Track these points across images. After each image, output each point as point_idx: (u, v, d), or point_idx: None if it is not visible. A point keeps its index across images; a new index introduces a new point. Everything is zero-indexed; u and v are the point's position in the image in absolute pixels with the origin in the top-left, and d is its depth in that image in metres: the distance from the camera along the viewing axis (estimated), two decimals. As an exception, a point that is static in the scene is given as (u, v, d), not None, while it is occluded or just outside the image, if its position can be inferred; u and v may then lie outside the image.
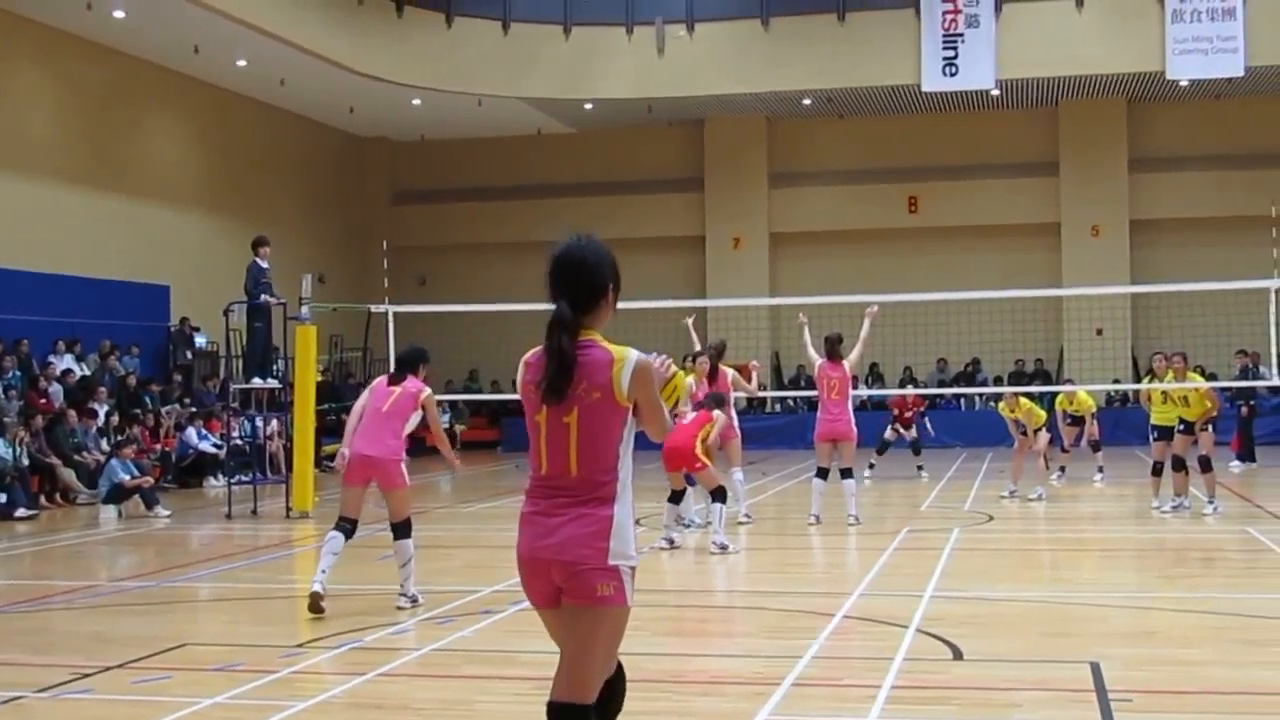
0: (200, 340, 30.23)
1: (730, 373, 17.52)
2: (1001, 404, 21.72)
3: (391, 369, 12.12)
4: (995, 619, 10.85)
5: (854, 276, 34.50)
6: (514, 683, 8.78)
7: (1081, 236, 35.71)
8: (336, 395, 28.60)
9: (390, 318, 22.29)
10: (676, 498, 15.28)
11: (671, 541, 15.05)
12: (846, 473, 17.15)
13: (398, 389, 11.54)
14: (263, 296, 20.11)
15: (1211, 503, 17.82)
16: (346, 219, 38.11)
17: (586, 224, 31.27)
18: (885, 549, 14.71)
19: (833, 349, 17.32)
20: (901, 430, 25.26)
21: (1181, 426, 17.97)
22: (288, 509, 19.60)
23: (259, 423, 23.45)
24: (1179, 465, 18.00)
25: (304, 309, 20.34)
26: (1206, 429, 17.97)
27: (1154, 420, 18.45)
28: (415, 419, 11.58)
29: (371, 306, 22.74)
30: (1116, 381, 32.79)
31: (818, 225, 37.27)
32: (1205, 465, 17.78)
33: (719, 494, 15.01)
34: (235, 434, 24.38)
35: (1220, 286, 22.74)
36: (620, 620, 5.27)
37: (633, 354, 5.22)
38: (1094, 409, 22.98)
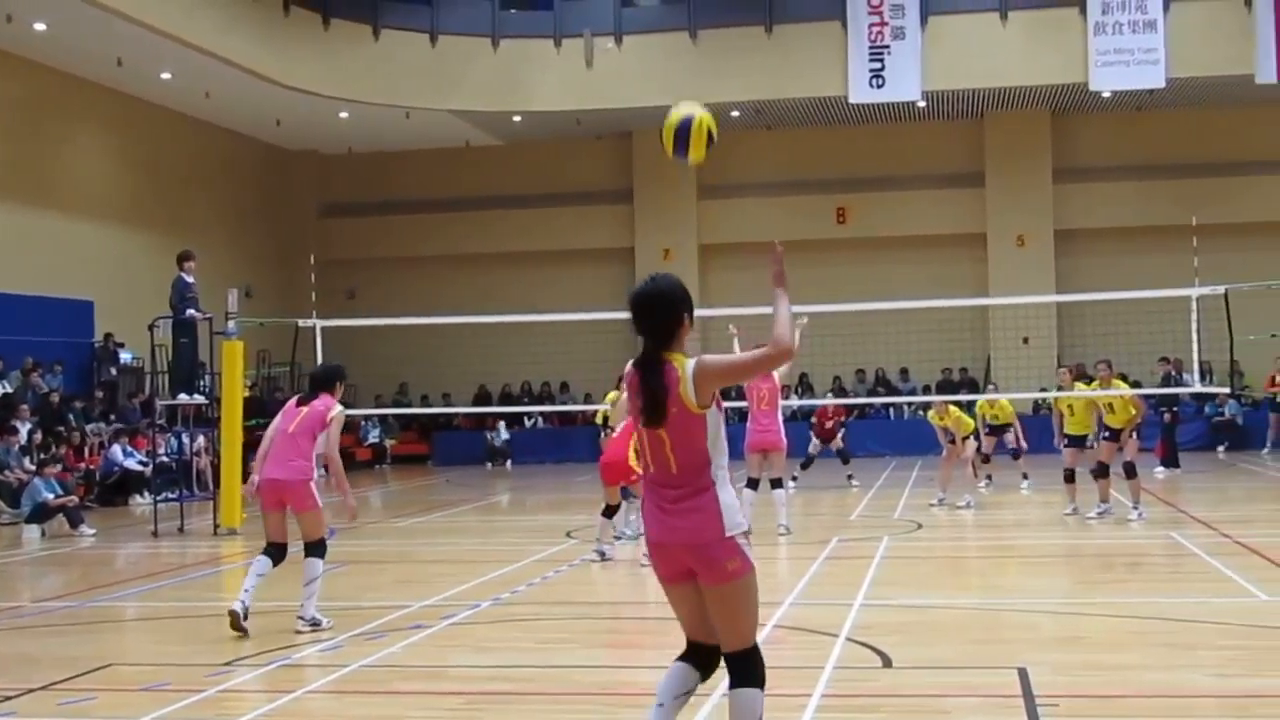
0: (125, 356, 29.95)
1: None
2: (931, 412, 21.86)
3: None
4: (924, 626, 10.91)
5: (783, 287, 34.59)
6: (445, 698, 8.74)
7: (1007, 246, 36.01)
8: (264, 410, 28.26)
9: (318, 332, 22.15)
10: (610, 512, 15.27)
11: (603, 554, 15.04)
12: (777, 483, 17.27)
13: (305, 408, 11.41)
14: (189, 311, 19.94)
15: (1136, 508, 18.06)
16: (274, 232, 37.88)
17: (515, 236, 31.75)
18: (816, 558, 14.77)
19: None
20: (822, 442, 25.22)
21: (1107, 433, 18.20)
22: (215, 526, 19.44)
23: (186, 439, 23.25)
24: (1102, 472, 18.24)
25: (231, 324, 20.18)
26: (1132, 435, 18.18)
27: (1066, 429, 18.76)
28: (324, 438, 11.41)
29: (299, 321, 22.56)
30: (1043, 390, 33.03)
31: (746, 236, 37.28)
32: (1130, 471, 18.01)
33: None
34: (161, 451, 24.15)
35: (1143, 295, 22.98)
36: (752, 582, 6.10)
37: (689, 364, 5.97)
38: (1014, 418, 23.14)
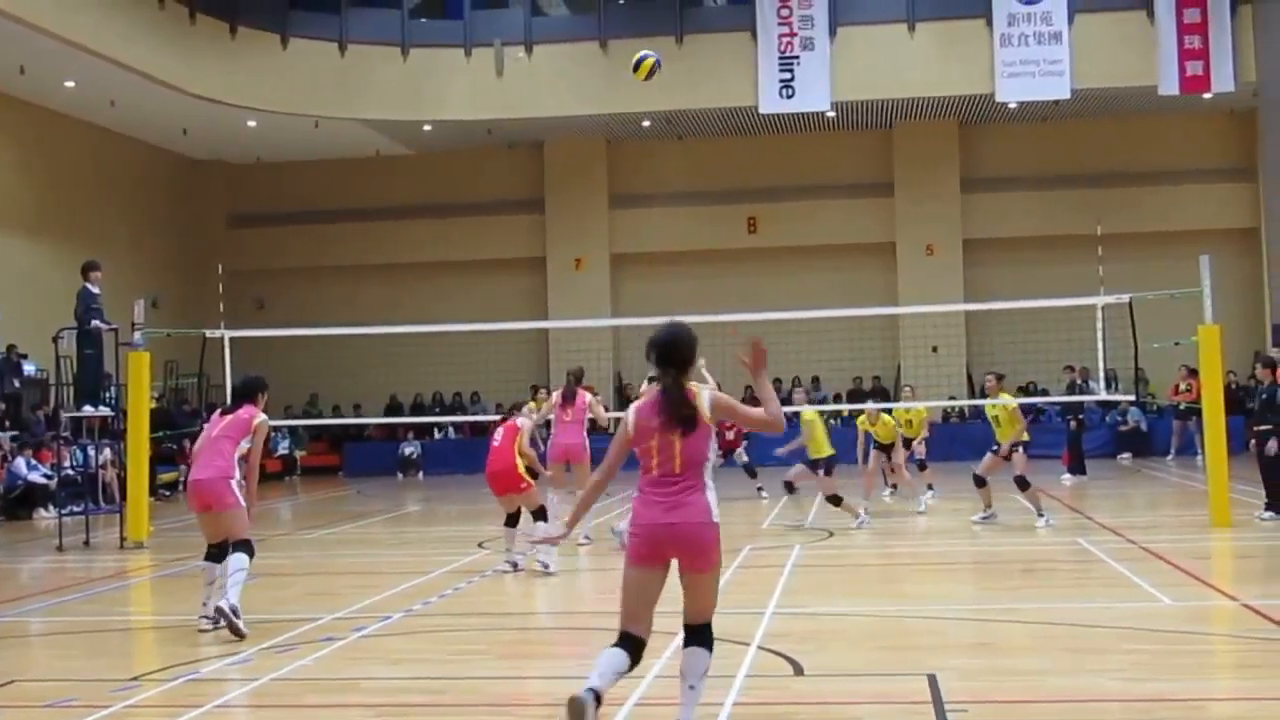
0: (29, 368, 29.52)
1: (588, 397, 17.83)
2: (862, 417, 21.94)
3: (229, 399, 11.97)
4: (835, 634, 10.96)
5: (695, 296, 34.67)
6: (356, 710, 8.68)
7: (916, 255, 36.30)
8: (171, 422, 28.09)
9: (226, 342, 21.96)
10: (513, 520, 15.24)
11: (515, 565, 15.00)
12: None
13: (230, 416, 11.64)
14: (94, 322, 19.69)
15: (1041, 516, 18.31)
16: (181, 242, 37.49)
17: (426, 245, 31.57)
18: (728, 567, 14.77)
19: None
20: (723, 454, 24.53)
21: (995, 447, 18.78)
22: (122, 539, 19.20)
23: (91, 451, 22.97)
24: (980, 482, 18.85)
25: (137, 335, 19.95)
26: (1018, 450, 18.69)
27: (876, 439, 20.19)
28: (246, 444, 11.59)
29: (207, 331, 22.36)
30: (952, 398, 33.35)
31: (658, 246, 37.45)
32: (1022, 484, 18.48)
33: (540, 514, 15.12)
34: (66, 463, 23.83)
35: (1049, 304, 23.24)
36: (719, 572, 7.67)
37: (706, 391, 7.56)
38: (925, 427, 23.30)
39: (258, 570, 11.97)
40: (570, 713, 6.99)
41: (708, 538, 7.42)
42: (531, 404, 21.34)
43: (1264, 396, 18.58)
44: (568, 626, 11.87)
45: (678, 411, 7.42)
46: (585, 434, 17.65)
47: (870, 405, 22.45)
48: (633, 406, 7.76)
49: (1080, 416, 27.46)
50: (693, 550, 7.42)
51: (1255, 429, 18.64)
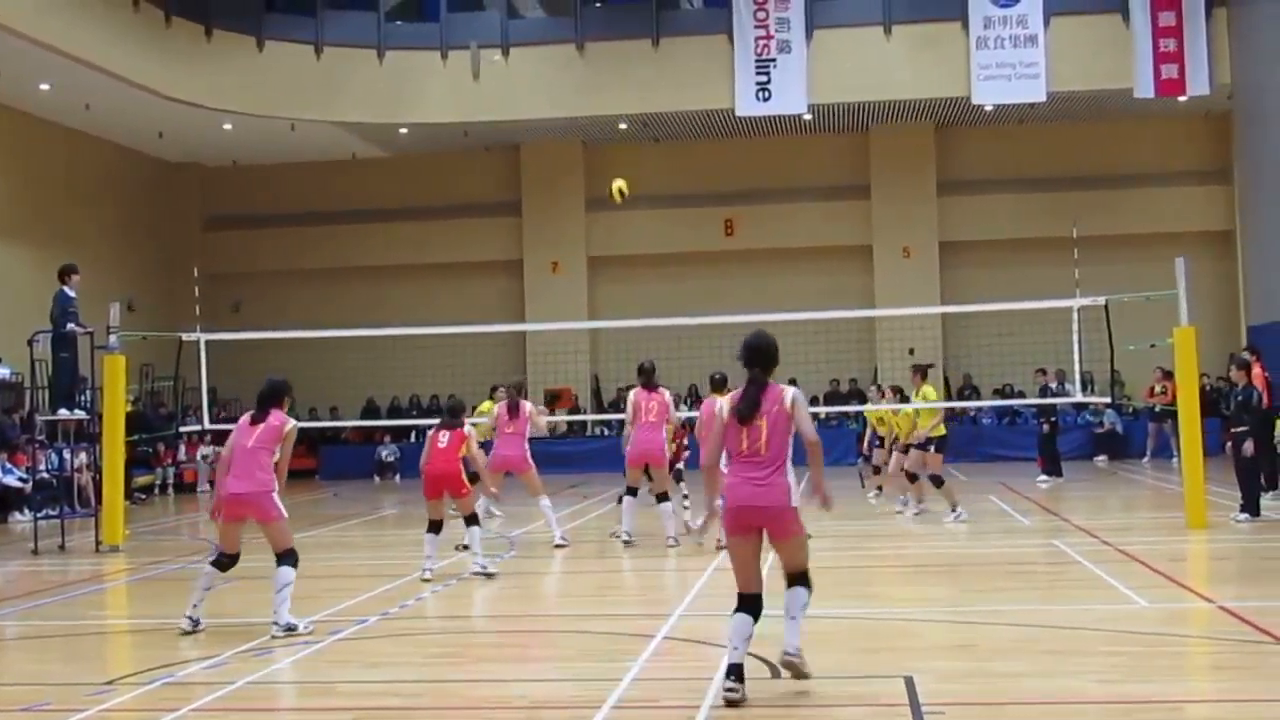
0: (3, 372, 29.38)
1: (529, 407, 18.03)
2: (884, 409, 21.87)
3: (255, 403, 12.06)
4: (812, 636, 10.93)
5: (672, 299, 34.77)
6: (332, 714, 8.67)
7: (893, 258, 36.35)
8: (147, 425, 27.96)
9: (202, 345, 21.89)
10: (435, 528, 15.11)
11: (484, 569, 14.94)
12: (662, 496, 17.39)
13: (261, 425, 11.69)
14: (69, 325, 19.60)
15: (918, 503, 19.90)
16: (157, 245, 37.35)
17: (403, 248, 31.54)
18: (705, 569, 14.79)
19: (648, 378, 17.65)
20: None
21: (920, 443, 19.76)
22: (97, 543, 19.12)
23: (67, 455, 22.86)
24: (939, 481, 19.66)
25: (112, 338, 19.88)
26: (927, 449, 19.54)
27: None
28: (278, 451, 11.75)
29: (183, 334, 22.28)
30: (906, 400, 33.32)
31: (635, 249, 37.43)
32: (911, 478, 19.63)
33: (473, 519, 15.19)
34: (42, 467, 23.74)
35: (1025, 306, 23.30)
36: (805, 539, 9.15)
37: (790, 390, 9.06)
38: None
39: (233, 573, 11.93)
40: (727, 704, 8.42)
41: (788, 516, 8.94)
42: (486, 404, 21.49)
43: (1239, 398, 18.70)
44: (545, 630, 11.85)
45: (751, 403, 8.96)
46: (526, 445, 17.82)
47: (883, 404, 22.21)
48: (728, 397, 9.26)
49: (1053, 419, 27.53)
50: (776, 526, 8.95)
51: (1232, 431, 18.73)
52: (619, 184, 19.55)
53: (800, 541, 9.05)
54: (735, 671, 8.52)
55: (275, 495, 11.58)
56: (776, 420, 8.92)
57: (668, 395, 17.85)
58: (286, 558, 11.54)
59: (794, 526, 8.97)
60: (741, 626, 8.76)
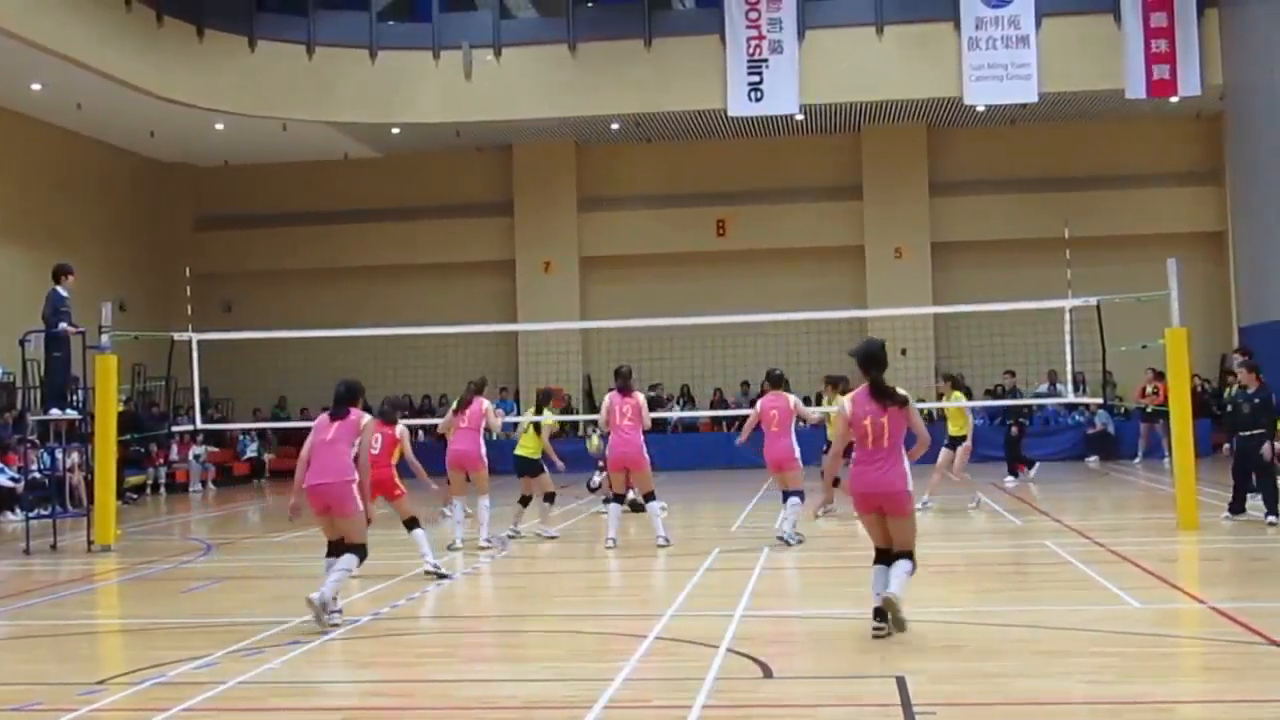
0: (-4, 371, 29.35)
1: (485, 405, 18.22)
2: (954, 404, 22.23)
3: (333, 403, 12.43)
4: (804, 637, 10.98)
5: (664, 299, 34.77)
6: (322, 714, 8.66)
7: (885, 258, 36.38)
8: (139, 425, 27.94)
9: (194, 345, 21.87)
10: (413, 523, 15.46)
11: (437, 568, 15.05)
12: (649, 496, 17.47)
13: (340, 421, 12.13)
14: (61, 325, 19.57)
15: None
16: (148, 245, 37.32)
17: (395, 248, 31.56)
18: (696, 569, 14.80)
19: (625, 382, 17.72)
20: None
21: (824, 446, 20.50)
22: (89, 543, 19.10)
23: (59, 455, 22.83)
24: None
25: (104, 337, 19.85)
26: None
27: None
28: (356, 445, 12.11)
29: (175, 334, 22.27)
30: (921, 400, 33.36)
31: (627, 249, 37.44)
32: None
33: (413, 523, 15.37)
34: (34, 467, 23.69)
35: (1017, 307, 23.29)
36: (914, 518, 10.92)
37: (903, 392, 10.73)
38: None
39: (225, 573, 11.96)
40: (874, 637, 10.33)
41: (903, 498, 10.59)
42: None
43: (1256, 400, 18.30)
44: (536, 630, 11.84)
45: (889, 398, 10.64)
46: (481, 442, 18.02)
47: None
48: (848, 397, 10.99)
49: (1021, 420, 27.69)
50: (893, 507, 10.59)
51: (1242, 433, 18.42)
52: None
53: (911, 521, 10.72)
54: (880, 614, 10.42)
55: (354, 487, 11.91)
56: (894, 417, 10.60)
57: (642, 398, 17.90)
58: (357, 550, 11.92)
59: (907, 507, 10.67)
60: (880, 574, 10.61)
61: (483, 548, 17.49)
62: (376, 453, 15.10)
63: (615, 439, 17.46)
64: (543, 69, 33.83)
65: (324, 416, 12.33)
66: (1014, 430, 27.41)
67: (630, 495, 19.46)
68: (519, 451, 19.61)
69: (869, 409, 10.63)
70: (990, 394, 32.67)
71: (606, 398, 18.00)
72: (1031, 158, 36.50)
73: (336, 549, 12.01)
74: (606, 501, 18.30)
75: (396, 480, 15.36)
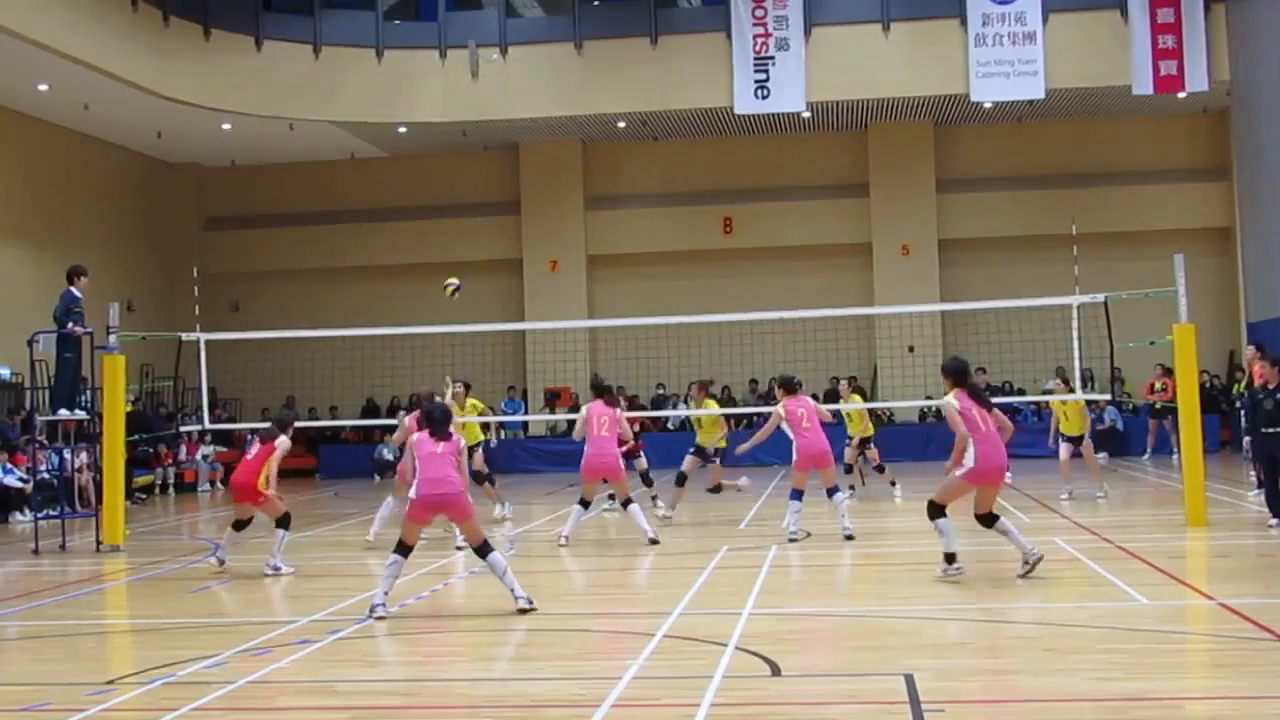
0: (4, 372, 29.39)
1: (619, 411, 18.32)
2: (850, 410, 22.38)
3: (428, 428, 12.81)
4: (812, 634, 10.97)
5: (670, 297, 34.80)
6: (331, 713, 8.66)
7: (892, 256, 36.36)
8: (147, 425, 27.95)
9: (202, 345, 21.89)
10: (240, 525, 16.21)
11: (278, 569, 15.46)
12: (627, 502, 17.81)
13: (445, 441, 12.56)
14: (70, 325, 19.58)
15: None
16: (155, 246, 37.37)
17: (402, 248, 31.56)
18: (705, 568, 14.79)
19: (605, 393, 18.23)
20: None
21: (692, 448, 20.85)
22: (98, 543, 19.12)
23: (67, 455, 22.85)
24: (681, 480, 20.68)
25: (112, 338, 19.88)
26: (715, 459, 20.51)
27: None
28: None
29: (182, 334, 22.27)
30: (929, 398, 33.39)
31: (634, 247, 37.46)
32: (715, 490, 20.27)
33: (284, 521, 15.77)
34: (42, 467, 23.73)
35: (1025, 304, 23.28)
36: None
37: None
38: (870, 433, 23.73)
39: (234, 573, 11.92)
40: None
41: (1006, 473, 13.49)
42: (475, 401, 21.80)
43: (1278, 396, 17.82)
44: (544, 628, 11.84)
45: (985, 398, 13.48)
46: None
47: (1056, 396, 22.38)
48: (958, 398, 13.23)
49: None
50: (1001, 478, 13.35)
51: (1265, 430, 17.89)
52: (451, 283, 20.22)
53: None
54: (951, 558, 13.44)
55: (467, 494, 12.56)
56: (997, 414, 13.36)
57: (621, 412, 18.26)
58: (484, 549, 12.37)
59: (1008, 480, 14.10)
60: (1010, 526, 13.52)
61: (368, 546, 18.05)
62: (250, 459, 15.83)
63: (592, 449, 17.69)
64: (549, 68, 33.85)
65: (424, 434, 12.71)
66: None
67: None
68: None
69: (975, 406, 13.26)
70: (999, 390, 32.68)
71: (585, 408, 18.17)
72: (1038, 154, 36.48)
73: (408, 551, 12.49)
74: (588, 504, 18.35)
75: (261, 487, 15.67)
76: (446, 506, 12.48)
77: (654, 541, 17.15)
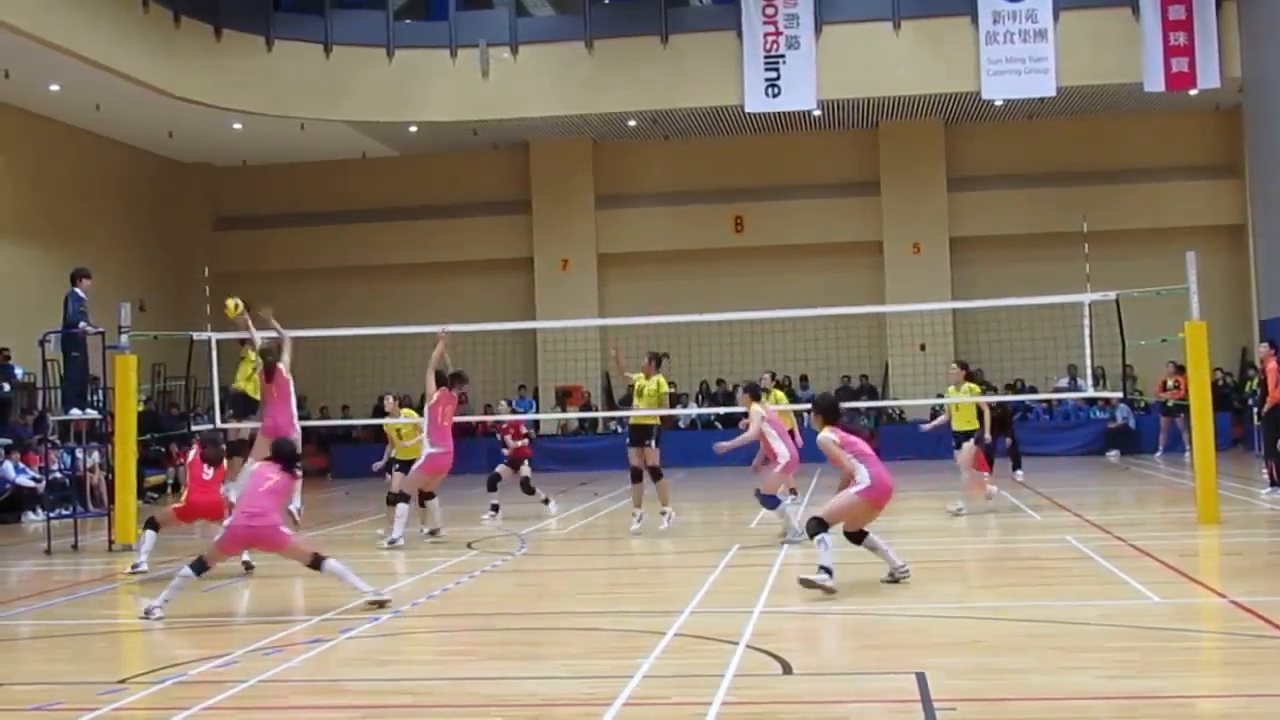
0: (19, 372, 29.42)
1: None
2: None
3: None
4: (823, 633, 10.97)
5: (681, 296, 34.77)
6: (342, 712, 8.66)
7: (903, 254, 36.34)
8: (158, 425, 28.01)
9: (214, 345, 21.90)
10: (151, 524, 16.18)
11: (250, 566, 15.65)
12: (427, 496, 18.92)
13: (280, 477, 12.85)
14: (81, 325, 19.63)
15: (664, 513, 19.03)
16: (167, 245, 37.43)
17: (413, 247, 31.60)
18: (715, 566, 14.79)
19: (455, 383, 19.08)
20: (511, 466, 22.19)
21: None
22: (110, 542, 19.16)
23: (79, 455, 22.89)
24: (654, 475, 19.16)
25: (123, 337, 19.92)
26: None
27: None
28: None
29: (194, 334, 22.29)
30: (940, 396, 33.35)
31: (645, 246, 37.46)
32: (655, 474, 18.92)
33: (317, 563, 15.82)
34: (54, 467, 23.77)
35: (1036, 301, 23.22)
36: None
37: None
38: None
39: (237, 570, 11.92)
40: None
41: None
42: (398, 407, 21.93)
43: None
44: (555, 627, 11.84)
45: (859, 432, 12.92)
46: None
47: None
48: (834, 432, 12.97)
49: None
50: (889, 499, 13.32)
51: None
52: (233, 303, 19.89)
53: None
54: (829, 571, 12.48)
55: (281, 528, 12.69)
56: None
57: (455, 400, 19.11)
58: (318, 561, 12.58)
59: None
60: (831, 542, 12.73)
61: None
62: (207, 480, 15.72)
63: (447, 445, 18.45)
64: (559, 67, 33.85)
65: (267, 465, 12.99)
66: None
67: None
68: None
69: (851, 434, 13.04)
70: (1010, 389, 32.67)
71: (436, 394, 18.73)
72: (1049, 152, 36.44)
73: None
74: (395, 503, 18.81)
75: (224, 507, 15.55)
76: (259, 541, 12.61)
77: (393, 543, 18.02)
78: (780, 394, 23.39)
